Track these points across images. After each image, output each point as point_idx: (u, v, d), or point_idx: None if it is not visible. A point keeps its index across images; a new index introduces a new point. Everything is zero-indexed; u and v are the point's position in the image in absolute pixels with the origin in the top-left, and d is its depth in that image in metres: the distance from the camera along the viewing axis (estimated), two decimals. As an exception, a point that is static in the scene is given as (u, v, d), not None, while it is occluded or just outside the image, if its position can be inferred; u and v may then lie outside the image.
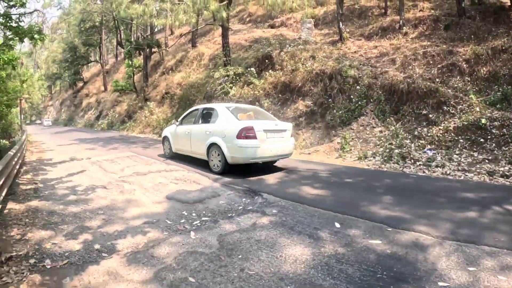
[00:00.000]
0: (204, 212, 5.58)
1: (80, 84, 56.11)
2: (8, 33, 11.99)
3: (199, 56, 26.02)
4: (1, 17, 11.46)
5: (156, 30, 33.34)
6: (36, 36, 11.33)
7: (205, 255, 3.92)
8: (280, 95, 14.53)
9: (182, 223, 5.11)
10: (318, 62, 14.31)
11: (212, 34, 28.70)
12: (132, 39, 32.63)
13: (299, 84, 14.04)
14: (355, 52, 15.65)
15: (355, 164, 9.43)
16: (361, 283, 3.22)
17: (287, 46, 16.97)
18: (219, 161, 8.56)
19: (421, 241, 4.11)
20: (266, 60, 16.70)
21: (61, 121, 55.36)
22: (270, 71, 15.72)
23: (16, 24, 11.19)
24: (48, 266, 3.94)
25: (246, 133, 8.01)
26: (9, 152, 8.78)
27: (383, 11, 18.91)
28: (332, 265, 3.58)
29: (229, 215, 5.35)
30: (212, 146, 8.72)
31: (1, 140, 14.71)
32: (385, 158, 9.35)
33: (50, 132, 32.99)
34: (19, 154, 10.60)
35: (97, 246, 4.40)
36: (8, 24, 11.06)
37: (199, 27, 26.56)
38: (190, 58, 27.06)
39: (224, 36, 17.87)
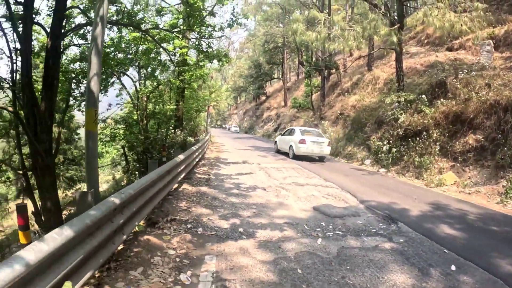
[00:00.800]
0: (339, 226, 6.23)
1: (263, 97, 61.47)
2: (200, 55, 14.87)
3: (374, 80, 25.83)
4: (194, 44, 14.67)
5: (335, 51, 34.42)
6: (223, 58, 13.82)
7: (320, 258, 4.68)
8: (450, 126, 13.67)
9: (317, 231, 5.90)
10: (493, 91, 12.77)
11: (389, 57, 28.14)
12: (312, 60, 34.39)
13: (471, 116, 12.81)
14: (539, 80, 13.42)
15: (515, 214, 8.22)
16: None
17: (462, 72, 15.65)
18: (292, 153, 17.51)
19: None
20: (436, 89, 15.90)
21: (243, 128, 61.88)
22: (442, 99, 14.75)
23: (206, 49, 13.99)
24: (199, 232, 5.50)
25: (302, 141, 16.78)
26: (192, 147, 11.26)
27: None
28: (424, 302, 3.67)
29: (359, 234, 5.88)
30: (290, 146, 17.80)
31: (188, 137, 18.13)
32: (552, 213, 7.89)
33: (231, 136, 37.58)
34: (200, 150, 13.31)
35: (240, 229, 5.73)
36: (200, 49, 13.75)
37: (374, 51, 26.58)
38: (365, 81, 26.99)
39: (397, 60, 17.56)
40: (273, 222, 6.22)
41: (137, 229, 4.99)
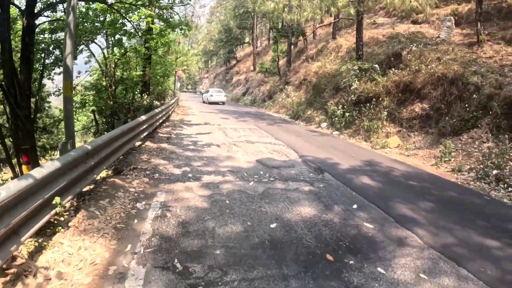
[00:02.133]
0: (274, 175, 7.48)
1: (233, 62, 61.48)
2: (162, 24, 15.99)
3: (337, 48, 26.58)
4: (158, 13, 15.73)
5: (306, 19, 34.77)
6: (184, 27, 15.04)
7: (246, 194, 6.06)
8: (400, 95, 14.53)
9: (254, 177, 7.18)
10: (442, 65, 13.81)
11: (355, 27, 29.08)
12: (280, 26, 34.89)
13: (419, 86, 13.90)
14: (489, 57, 14.23)
15: (444, 175, 8.72)
16: (321, 245, 4.17)
17: (417, 44, 16.76)
18: (208, 101, 34.46)
19: (407, 240, 4.45)
20: (392, 59, 16.84)
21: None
22: (395, 69, 15.74)
23: (168, 18, 15.21)
24: (156, 177, 6.93)
25: (211, 96, 34.42)
26: (155, 110, 12.60)
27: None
28: (317, 225, 4.77)
29: (288, 180, 7.12)
30: (207, 98, 35.02)
31: (155, 101, 18.97)
32: (479, 176, 8.30)
33: (199, 100, 38.68)
34: (164, 113, 14.54)
35: (190, 175, 7.11)
36: (162, 18, 14.97)
37: (336, 20, 27.45)
38: (329, 49, 27.84)
39: (357, 30, 18.36)
40: (218, 170, 7.60)
41: (105, 175, 6.23)
